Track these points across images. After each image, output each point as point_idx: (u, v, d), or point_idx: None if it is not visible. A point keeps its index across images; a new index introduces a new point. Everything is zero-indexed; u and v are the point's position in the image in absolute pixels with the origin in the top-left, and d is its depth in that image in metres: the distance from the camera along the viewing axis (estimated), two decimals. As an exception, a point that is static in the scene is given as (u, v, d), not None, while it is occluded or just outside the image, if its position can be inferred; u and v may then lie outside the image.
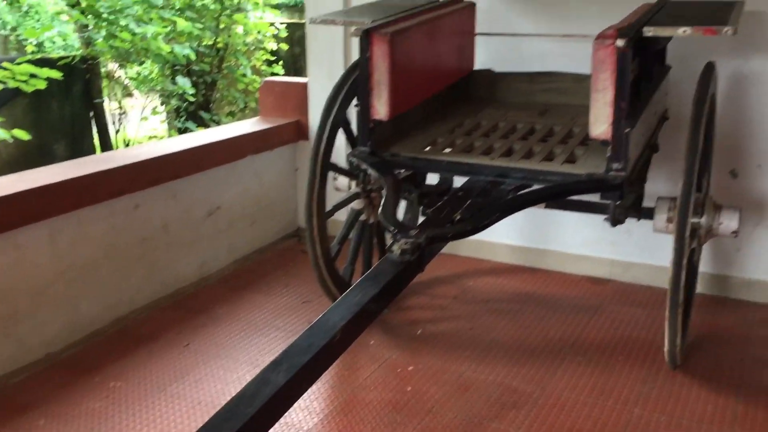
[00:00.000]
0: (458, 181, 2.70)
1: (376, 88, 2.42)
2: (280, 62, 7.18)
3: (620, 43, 2.04)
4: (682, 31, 2.08)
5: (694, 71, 2.73)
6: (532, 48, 3.22)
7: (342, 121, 2.69)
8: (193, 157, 3.20)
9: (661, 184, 2.95)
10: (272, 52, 6.94)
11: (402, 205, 3.08)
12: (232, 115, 6.70)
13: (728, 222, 2.34)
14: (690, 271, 2.37)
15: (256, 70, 6.79)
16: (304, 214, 2.71)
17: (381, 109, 2.44)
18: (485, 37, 3.16)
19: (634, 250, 3.20)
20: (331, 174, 2.71)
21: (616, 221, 2.41)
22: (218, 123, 6.36)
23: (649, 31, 2.12)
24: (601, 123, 2.17)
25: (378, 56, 2.38)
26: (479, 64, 3.21)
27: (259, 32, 6.65)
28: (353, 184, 2.72)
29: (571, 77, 3.00)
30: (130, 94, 7.26)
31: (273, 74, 6.80)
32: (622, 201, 2.32)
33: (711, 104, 2.43)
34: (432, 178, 2.85)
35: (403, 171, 2.56)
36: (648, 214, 2.47)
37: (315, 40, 3.67)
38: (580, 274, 3.29)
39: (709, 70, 2.41)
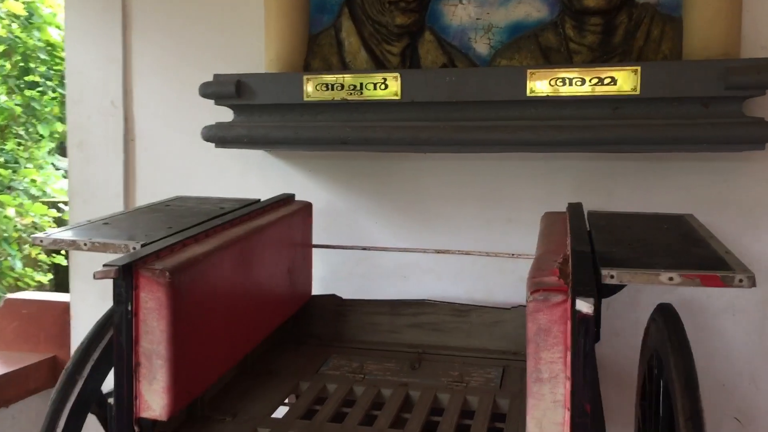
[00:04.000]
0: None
1: (146, 366, 1.35)
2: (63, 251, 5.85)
3: (584, 306, 1.15)
4: (667, 278, 1.24)
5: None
6: (390, 259, 2.34)
7: (96, 403, 1.58)
8: None
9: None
10: (55, 238, 5.61)
11: None
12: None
13: None
14: None
15: (31, 261, 5.42)
16: None
17: (154, 402, 1.36)
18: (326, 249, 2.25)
19: None
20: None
21: None
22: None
23: (610, 277, 1.26)
24: (547, 437, 1.23)
25: (150, 309, 1.34)
26: (317, 281, 2.27)
27: (38, 215, 5.35)
28: None
29: (448, 308, 2.12)
30: None
31: (53, 265, 5.45)
32: None
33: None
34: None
35: None
36: None
37: (81, 245, 2.57)
38: None
39: (672, 315, 1.60)
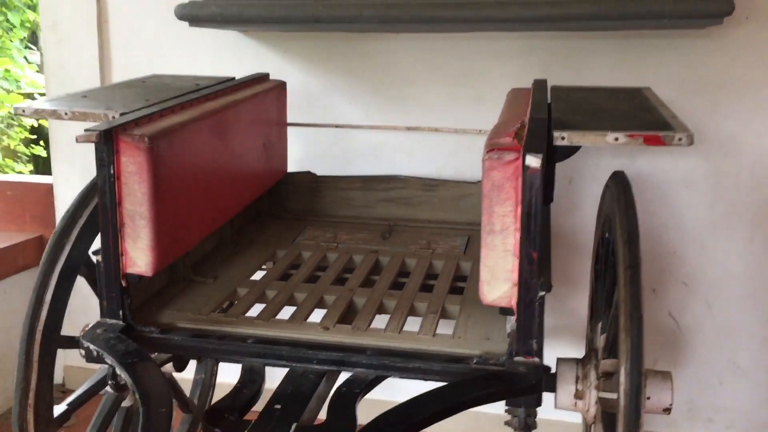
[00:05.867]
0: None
1: (130, 226, 1.45)
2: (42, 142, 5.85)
3: (532, 161, 1.25)
4: (613, 138, 1.33)
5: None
6: (363, 139, 2.42)
7: (84, 265, 1.68)
8: None
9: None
10: (32, 129, 5.60)
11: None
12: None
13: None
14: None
15: (10, 152, 5.43)
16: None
17: (139, 259, 1.47)
18: (301, 127, 2.32)
19: None
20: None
21: (527, 427, 1.58)
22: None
23: (561, 138, 1.35)
24: (499, 283, 1.35)
25: (131, 173, 1.42)
26: (294, 163, 2.35)
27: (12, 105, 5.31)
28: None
29: (418, 183, 2.22)
30: None
31: (33, 157, 5.48)
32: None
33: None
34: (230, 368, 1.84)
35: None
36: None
37: (60, 123, 2.61)
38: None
39: (623, 180, 1.71)
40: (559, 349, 1.85)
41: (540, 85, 1.92)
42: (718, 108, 2.17)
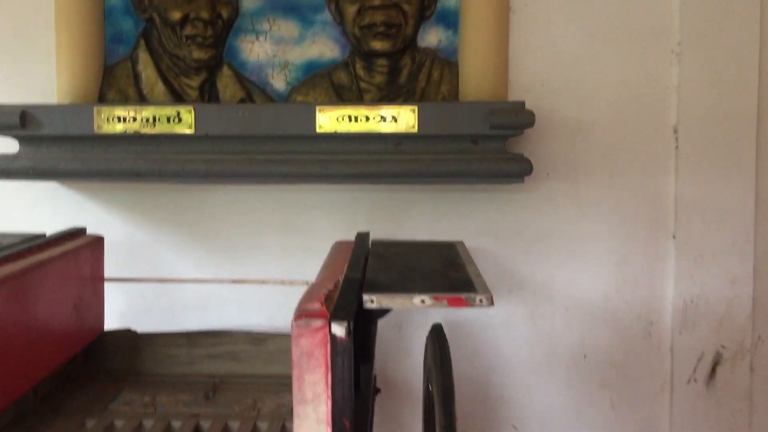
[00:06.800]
0: None
1: None
2: None
3: (338, 330, 1.25)
4: (419, 300, 1.37)
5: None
6: (191, 291, 2.34)
7: None
8: None
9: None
10: None
11: None
12: None
13: None
14: None
15: None
16: None
17: None
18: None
19: None
20: None
21: None
22: None
23: (370, 302, 1.37)
24: (312, 454, 1.31)
25: None
26: (115, 319, 2.23)
27: None
28: None
29: (245, 337, 2.16)
30: None
31: None
32: None
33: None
34: None
35: None
36: None
37: None
38: None
39: (439, 335, 1.75)
40: None
41: (362, 238, 1.98)
42: (529, 256, 2.32)
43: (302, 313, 1.30)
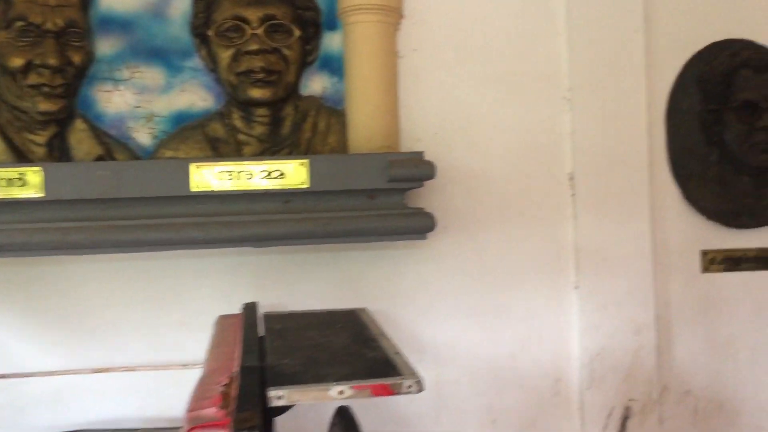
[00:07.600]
0: None
1: None
2: None
3: (243, 441, 0.99)
4: (337, 392, 1.14)
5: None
6: (41, 385, 1.97)
7: None
8: None
9: None
10: None
11: None
12: None
13: None
14: None
15: None
16: None
17: None
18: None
19: None
20: None
21: None
22: None
23: (278, 398, 1.13)
24: None
25: None
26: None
27: None
28: None
29: (115, 435, 1.83)
30: None
31: None
32: None
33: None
34: None
35: None
36: None
37: None
38: None
39: (346, 416, 1.52)
40: None
41: (250, 311, 1.73)
42: (429, 316, 2.15)
43: (196, 424, 1.03)
